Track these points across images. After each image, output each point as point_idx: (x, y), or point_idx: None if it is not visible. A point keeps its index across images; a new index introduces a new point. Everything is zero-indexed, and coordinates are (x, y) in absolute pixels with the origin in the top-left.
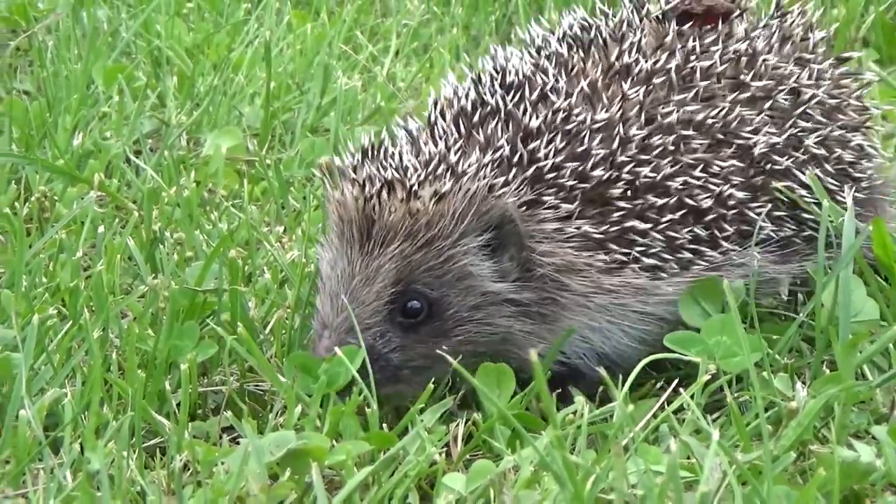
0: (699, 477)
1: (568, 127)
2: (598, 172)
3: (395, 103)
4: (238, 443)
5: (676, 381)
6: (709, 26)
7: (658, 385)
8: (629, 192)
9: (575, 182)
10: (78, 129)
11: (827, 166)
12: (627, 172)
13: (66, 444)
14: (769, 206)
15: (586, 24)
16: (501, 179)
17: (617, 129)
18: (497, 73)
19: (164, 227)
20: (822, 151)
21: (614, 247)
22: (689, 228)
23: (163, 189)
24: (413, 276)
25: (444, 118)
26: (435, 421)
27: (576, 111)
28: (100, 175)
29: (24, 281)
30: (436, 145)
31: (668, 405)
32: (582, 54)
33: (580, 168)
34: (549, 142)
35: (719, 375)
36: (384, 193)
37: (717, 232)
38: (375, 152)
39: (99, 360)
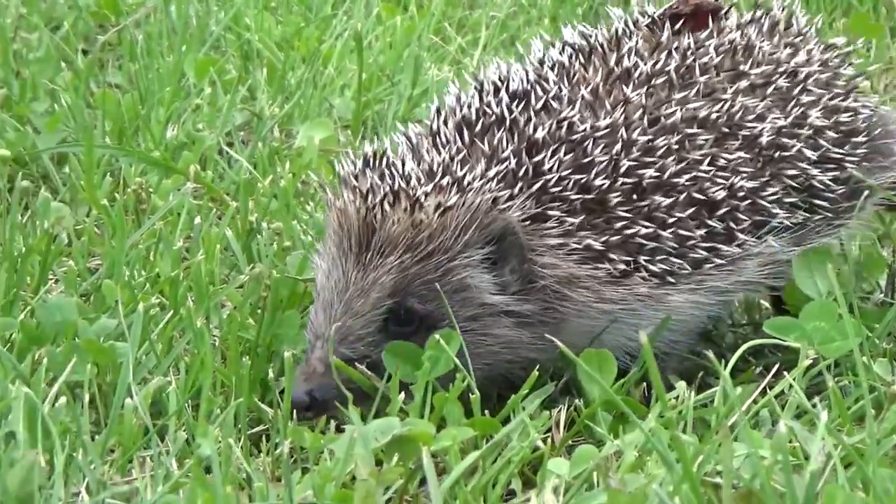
0: (800, 461)
1: (572, 137)
2: (599, 181)
3: None
4: (342, 430)
5: (776, 366)
6: (699, 26)
7: (757, 370)
8: (634, 196)
9: (578, 193)
10: (171, 122)
11: (829, 133)
12: (631, 176)
13: (171, 431)
14: (780, 193)
15: (585, 33)
16: (506, 193)
17: (619, 133)
18: (501, 81)
19: (261, 218)
20: (824, 122)
21: (617, 256)
22: (703, 222)
23: (258, 180)
24: (409, 288)
25: (446, 126)
26: (537, 407)
27: (578, 120)
28: (196, 166)
29: (124, 272)
30: (439, 154)
31: (769, 390)
32: (583, 60)
33: (583, 179)
34: (554, 153)
35: (818, 361)
36: (387, 204)
37: (732, 224)
38: (378, 160)
39: (207, 347)
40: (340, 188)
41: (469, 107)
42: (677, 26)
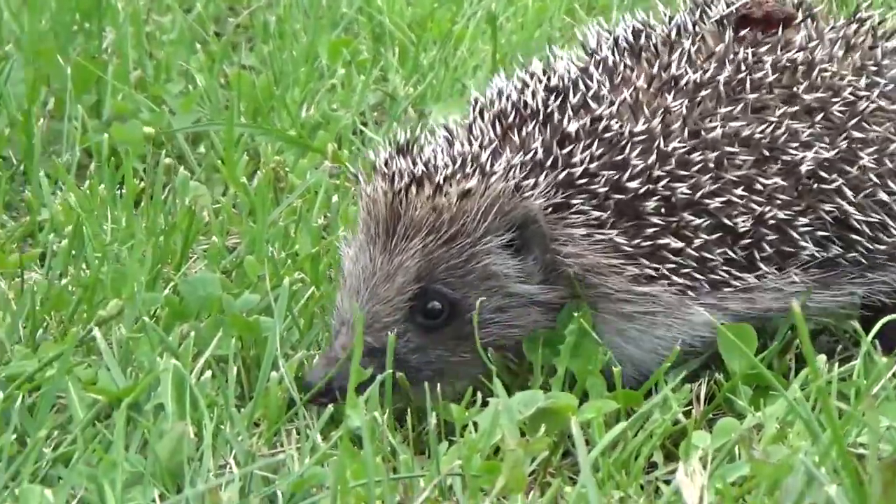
0: None
1: (607, 135)
2: (634, 184)
3: None
4: (486, 403)
5: None
6: (768, 32)
7: None
8: (664, 209)
9: (609, 191)
10: (305, 102)
11: (881, 177)
12: (663, 187)
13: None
14: (814, 225)
15: (640, 28)
16: (530, 181)
17: (657, 142)
18: (543, 74)
19: None
20: (874, 164)
21: (645, 262)
22: (724, 250)
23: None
24: (434, 274)
25: (482, 118)
26: (678, 381)
27: (616, 121)
28: (333, 145)
29: (266, 249)
30: (470, 144)
31: None
32: (631, 62)
33: (616, 178)
34: (586, 148)
35: None
36: (412, 188)
37: (755, 252)
38: (409, 148)
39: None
40: (371, 175)
41: (507, 99)
42: (745, 31)
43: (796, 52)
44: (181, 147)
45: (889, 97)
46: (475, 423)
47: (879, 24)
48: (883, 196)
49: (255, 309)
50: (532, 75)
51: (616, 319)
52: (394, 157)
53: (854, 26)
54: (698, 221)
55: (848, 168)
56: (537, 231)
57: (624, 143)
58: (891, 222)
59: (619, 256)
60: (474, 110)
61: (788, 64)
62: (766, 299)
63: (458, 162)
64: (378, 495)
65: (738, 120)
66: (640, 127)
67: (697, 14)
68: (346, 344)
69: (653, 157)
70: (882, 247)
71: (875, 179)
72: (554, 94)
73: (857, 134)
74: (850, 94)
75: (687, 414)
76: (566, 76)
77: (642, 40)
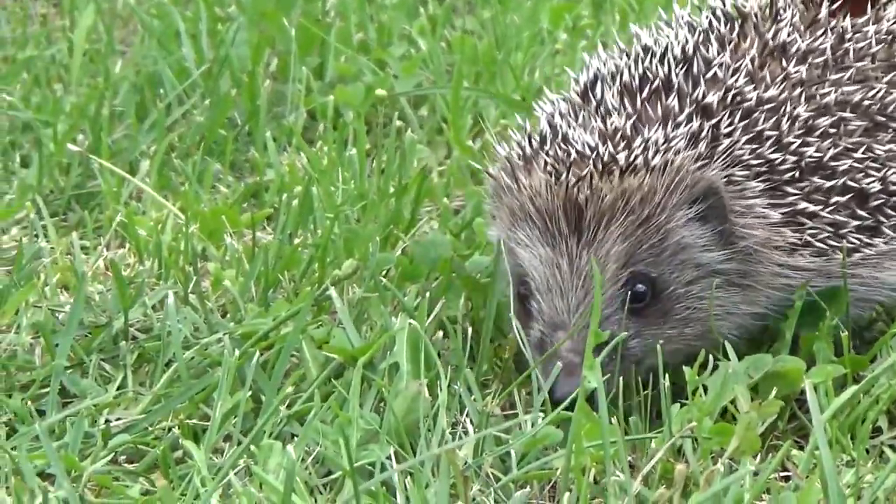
0: None
1: (744, 105)
2: (771, 154)
3: None
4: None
5: None
6: (856, 12)
7: None
8: (797, 174)
9: (753, 160)
10: (527, 66)
11: None
12: (793, 153)
13: None
14: None
15: (735, 3)
16: (698, 153)
17: (784, 108)
18: (656, 47)
19: None
20: None
21: (788, 231)
22: (854, 212)
23: None
24: (636, 256)
25: (605, 94)
26: None
27: (746, 89)
28: None
29: None
30: (607, 122)
31: None
32: (735, 31)
33: (758, 149)
34: (728, 119)
35: None
36: (593, 175)
37: (882, 218)
38: (546, 136)
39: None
40: (516, 171)
41: (628, 73)
42: (835, 6)
43: (891, 24)
44: (403, 110)
45: None
46: (705, 387)
47: None
48: None
49: (483, 272)
50: (646, 49)
51: (774, 290)
52: (538, 145)
53: None
54: (829, 184)
55: None
56: (719, 202)
57: (756, 112)
58: None
59: (774, 227)
60: (594, 87)
61: (886, 35)
62: (892, 269)
63: (616, 140)
64: (612, 455)
65: (846, 86)
66: (768, 93)
67: None
68: (574, 347)
69: (784, 124)
70: None
71: None
72: (679, 64)
73: None
74: None
75: None
76: (682, 46)
77: (745, 9)
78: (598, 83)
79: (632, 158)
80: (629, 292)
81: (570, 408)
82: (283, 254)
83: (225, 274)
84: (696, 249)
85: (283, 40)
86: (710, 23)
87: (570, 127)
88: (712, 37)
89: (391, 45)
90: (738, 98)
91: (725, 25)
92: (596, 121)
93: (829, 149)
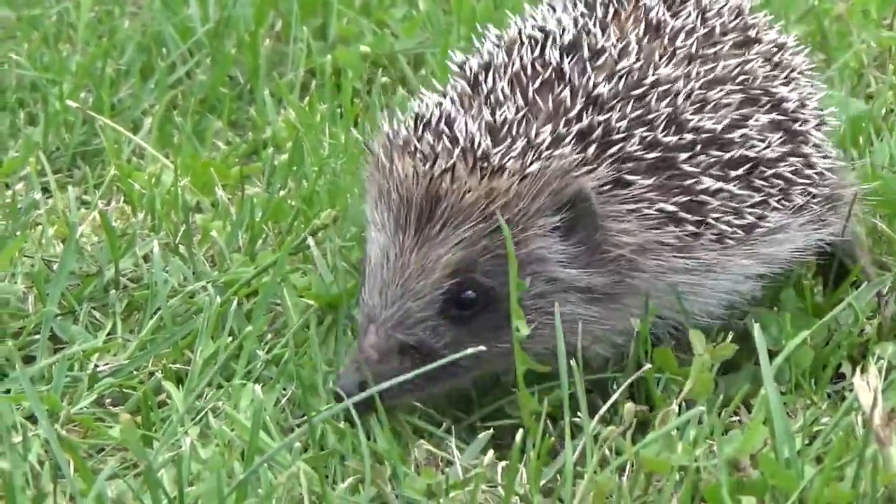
0: None
1: (634, 91)
2: (664, 137)
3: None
4: None
5: None
6: None
7: None
8: (694, 150)
9: (646, 151)
10: None
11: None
12: (690, 130)
13: None
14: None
15: None
16: (581, 156)
17: (678, 84)
18: (542, 32)
19: None
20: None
21: (686, 216)
22: (750, 184)
23: None
24: (475, 264)
25: (496, 80)
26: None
27: (636, 71)
28: None
29: None
30: (495, 113)
31: None
32: (611, 13)
33: (649, 136)
34: (619, 109)
35: None
36: (459, 169)
37: (772, 190)
38: (432, 120)
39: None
40: (392, 151)
41: (521, 60)
42: None
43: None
44: (403, 70)
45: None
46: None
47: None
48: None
49: None
50: (543, 31)
51: (658, 292)
52: (420, 129)
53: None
54: (726, 156)
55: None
56: (588, 209)
57: (650, 94)
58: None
59: (664, 223)
60: (486, 72)
61: (736, 10)
62: (800, 236)
63: (498, 136)
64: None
65: (724, 60)
66: (663, 71)
67: None
68: (376, 344)
69: (680, 100)
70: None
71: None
72: (566, 51)
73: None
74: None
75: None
76: (571, 30)
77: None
78: (490, 70)
79: (504, 160)
80: (457, 298)
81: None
82: (269, 205)
83: (212, 225)
84: (552, 263)
85: (285, 1)
86: (587, 4)
87: (459, 113)
88: (595, 20)
89: (393, 7)
90: (630, 82)
91: (602, 7)
92: (485, 111)
93: (722, 120)
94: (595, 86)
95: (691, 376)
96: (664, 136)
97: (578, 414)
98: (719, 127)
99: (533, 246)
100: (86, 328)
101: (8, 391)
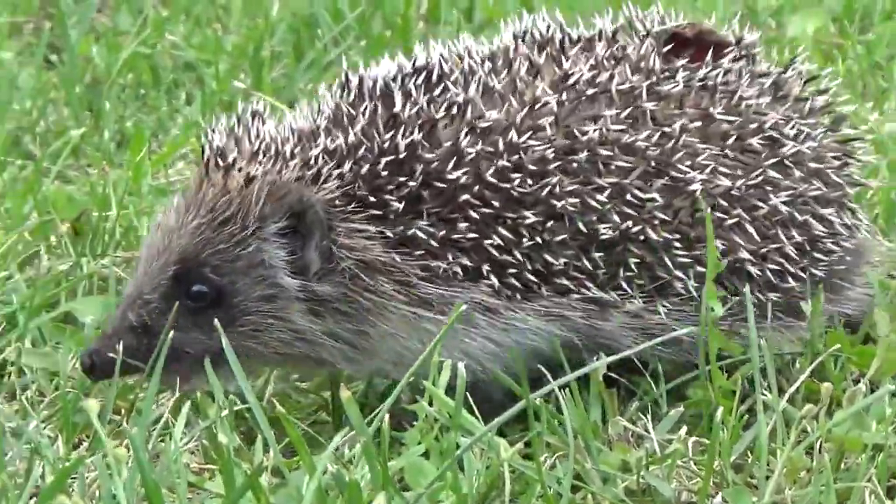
0: None
1: (448, 119)
2: (460, 175)
3: None
4: None
5: None
6: (697, 58)
7: None
8: (495, 202)
9: (430, 179)
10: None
11: (793, 231)
12: (499, 179)
13: None
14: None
15: (556, 28)
16: (328, 171)
17: (510, 133)
18: (412, 61)
19: None
20: (791, 213)
21: (454, 257)
22: (575, 254)
23: None
24: (200, 256)
25: (340, 96)
26: None
27: (470, 106)
28: None
29: None
30: (306, 121)
31: None
32: (529, 54)
33: (437, 165)
34: (409, 133)
35: None
36: (211, 167)
37: (619, 269)
38: (252, 122)
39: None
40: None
41: (374, 81)
42: (673, 50)
43: (721, 76)
44: None
45: (812, 151)
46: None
47: (812, 79)
48: (783, 243)
49: None
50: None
51: (401, 333)
52: (229, 131)
53: (788, 74)
54: (534, 220)
55: (758, 205)
56: (315, 219)
57: (464, 128)
58: (790, 269)
59: (421, 253)
60: (347, 86)
61: (708, 83)
62: (614, 320)
63: (280, 143)
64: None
65: (623, 125)
66: (494, 114)
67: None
68: (112, 321)
69: (497, 146)
70: (775, 296)
71: (777, 228)
72: (417, 75)
73: (773, 174)
74: (774, 131)
75: None
76: (434, 59)
77: (551, 36)
78: (353, 84)
79: (240, 162)
80: (188, 290)
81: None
82: None
83: None
84: (276, 269)
85: None
86: (512, 42)
87: (280, 121)
88: (502, 57)
89: None
90: (454, 114)
91: (529, 47)
92: (300, 121)
93: (563, 184)
94: (405, 108)
95: (878, 356)
96: (454, 172)
97: (765, 392)
98: (542, 190)
99: (252, 247)
100: None
101: None
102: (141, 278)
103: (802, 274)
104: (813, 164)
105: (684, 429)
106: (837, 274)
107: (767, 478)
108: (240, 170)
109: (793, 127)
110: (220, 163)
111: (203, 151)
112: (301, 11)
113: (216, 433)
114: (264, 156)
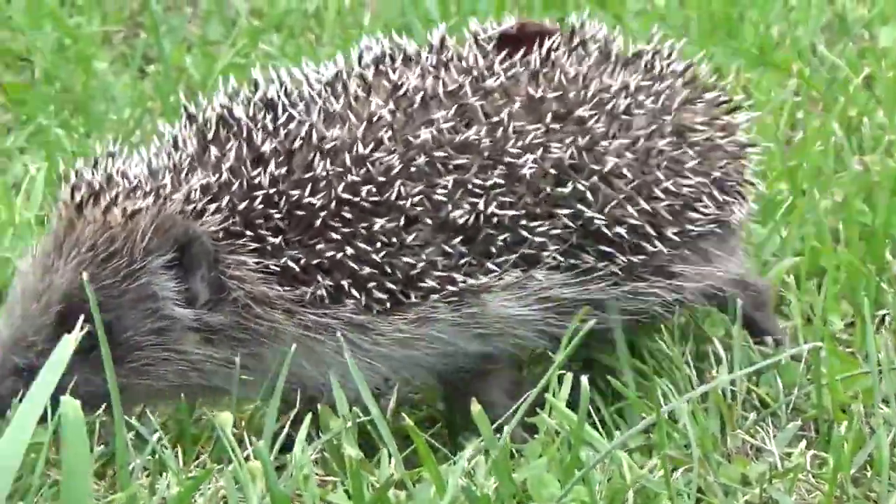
0: None
1: (299, 149)
2: (316, 197)
3: None
4: None
5: None
6: (528, 51)
7: None
8: (351, 216)
9: (290, 210)
10: (764, 23)
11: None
12: (352, 193)
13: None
14: (557, 228)
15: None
16: (209, 206)
17: (354, 147)
18: (255, 87)
19: (861, 113)
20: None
21: (323, 279)
22: (439, 247)
23: (849, 78)
24: (85, 294)
25: (187, 127)
26: None
27: (312, 132)
28: (798, 63)
29: None
30: (168, 158)
31: None
32: (364, 75)
33: (295, 196)
34: (277, 167)
35: None
36: (88, 204)
37: (487, 249)
38: (113, 158)
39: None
40: (64, 184)
41: (219, 109)
42: (505, 51)
43: (543, 60)
44: None
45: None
46: None
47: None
48: (642, 205)
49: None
50: (260, 85)
51: (291, 344)
52: (91, 166)
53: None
54: (389, 226)
55: (594, 169)
56: (201, 250)
57: (313, 153)
58: (652, 232)
59: (292, 280)
60: (195, 118)
61: (531, 69)
62: (493, 302)
63: (149, 178)
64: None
65: (454, 124)
66: (336, 133)
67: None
68: None
69: (345, 164)
70: (642, 258)
71: (627, 188)
72: (266, 108)
73: (602, 133)
74: (600, 95)
75: None
76: (279, 87)
77: (382, 54)
78: (201, 114)
79: (120, 197)
80: (70, 329)
81: None
82: None
83: None
84: (165, 301)
85: None
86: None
87: (142, 156)
88: (336, 78)
89: (628, 0)
90: (296, 141)
91: (364, 69)
92: (163, 156)
93: (409, 187)
94: (264, 142)
95: None
96: (313, 196)
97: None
98: (390, 196)
99: (142, 281)
100: None
101: None
102: (20, 322)
103: (664, 234)
104: (657, 125)
105: (803, 442)
106: (705, 242)
107: (889, 491)
108: (118, 206)
109: (625, 89)
110: (98, 200)
111: (73, 192)
112: (393, 22)
113: (338, 445)
114: (141, 192)
